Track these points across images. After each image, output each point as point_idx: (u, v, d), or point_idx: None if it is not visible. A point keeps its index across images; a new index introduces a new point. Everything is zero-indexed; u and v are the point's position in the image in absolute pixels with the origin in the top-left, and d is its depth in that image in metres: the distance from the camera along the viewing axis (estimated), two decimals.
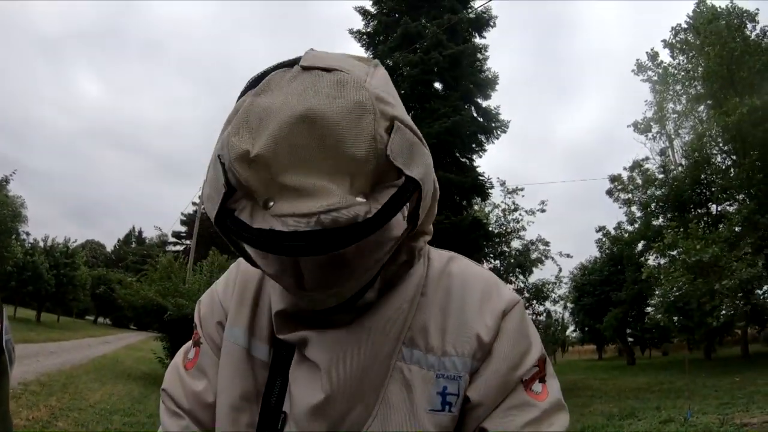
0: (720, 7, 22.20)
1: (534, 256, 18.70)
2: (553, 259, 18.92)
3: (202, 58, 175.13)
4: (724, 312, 17.30)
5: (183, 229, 51.54)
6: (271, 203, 0.59)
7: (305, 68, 0.65)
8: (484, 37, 19.69)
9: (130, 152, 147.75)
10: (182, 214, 48.40)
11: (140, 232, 76.51)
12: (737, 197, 20.81)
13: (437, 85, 18.33)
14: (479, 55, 19.25)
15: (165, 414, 0.91)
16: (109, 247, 76.29)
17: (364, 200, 0.59)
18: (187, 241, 48.09)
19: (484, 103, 19.28)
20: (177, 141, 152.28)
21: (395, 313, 0.79)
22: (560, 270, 19.13)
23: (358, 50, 19.24)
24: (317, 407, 0.74)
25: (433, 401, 0.77)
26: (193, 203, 42.18)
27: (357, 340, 0.77)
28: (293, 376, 0.79)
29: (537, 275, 18.85)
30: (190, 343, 0.97)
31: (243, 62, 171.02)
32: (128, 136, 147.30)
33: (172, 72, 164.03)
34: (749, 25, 21.43)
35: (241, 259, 0.90)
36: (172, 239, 55.52)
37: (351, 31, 19.45)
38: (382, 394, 0.77)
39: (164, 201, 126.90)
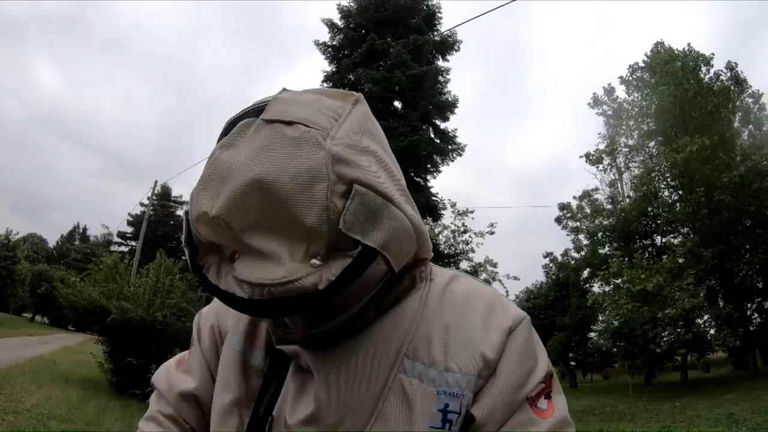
0: (677, 49, 23.35)
1: (482, 277, 18.90)
2: (500, 281, 19.16)
3: (163, 58, 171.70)
4: (666, 339, 17.90)
5: (129, 230, 50.12)
6: (237, 255, 0.63)
7: (267, 121, 0.65)
8: (447, 60, 20.05)
9: (80, 146, 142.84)
10: (129, 214, 46.90)
11: (85, 230, 73.57)
12: (682, 230, 21.69)
13: (397, 104, 18.52)
14: (441, 78, 19.56)
15: (152, 396, 0.99)
16: (51, 243, 73.38)
17: (318, 267, 0.60)
18: (133, 243, 46.79)
19: (442, 125, 19.60)
20: (130, 140, 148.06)
21: (396, 325, 0.77)
22: (507, 293, 19.33)
23: (322, 62, 19.31)
24: (310, 416, 0.73)
25: (433, 418, 0.74)
26: (141, 204, 40.98)
27: (356, 351, 0.75)
28: (288, 385, 0.78)
29: None
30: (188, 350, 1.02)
31: (205, 66, 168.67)
32: (80, 130, 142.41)
33: (131, 69, 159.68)
34: (703, 68, 22.58)
35: None
36: (117, 239, 53.91)
37: (317, 43, 19.48)
38: (380, 407, 0.74)
39: (112, 199, 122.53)
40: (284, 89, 0.71)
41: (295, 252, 0.60)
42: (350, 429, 0.72)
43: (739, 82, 22.27)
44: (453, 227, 18.98)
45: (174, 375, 0.96)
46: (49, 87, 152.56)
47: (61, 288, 13.13)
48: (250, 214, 0.61)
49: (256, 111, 0.68)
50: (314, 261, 0.60)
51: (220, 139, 0.69)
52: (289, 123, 0.64)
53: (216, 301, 0.98)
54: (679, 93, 20.14)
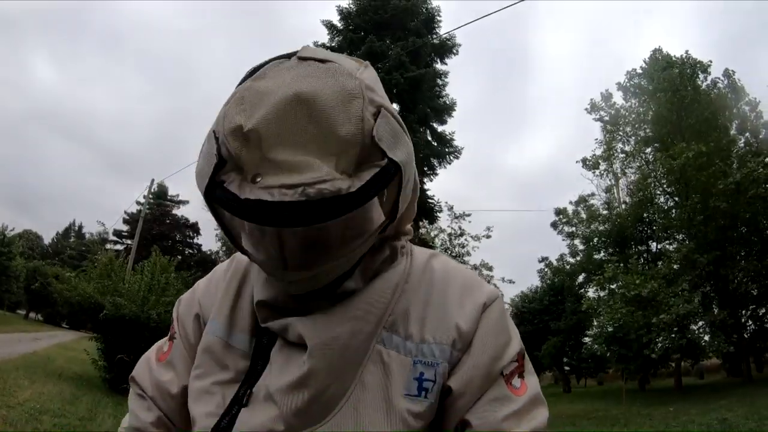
0: (675, 56, 23.39)
1: None
2: (496, 285, 19.09)
3: (161, 56, 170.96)
4: (660, 345, 17.92)
5: (125, 228, 49.99)
6: (259, 178, 0.62)
7: (302, 58, 0.69)
8: (446, 63, 20.07)
9: (77, 143, 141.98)
10: (126, 212, 46.90)
11: (80, 227, 73.36)
12: (677, 237, 21.79)
13: (395, 106, 18.49)
14: (439, 81, 19.58)
15: (132, 397, 0.97)
16: (47, 239, 73.10)
17: (348, 177, 0.62)
18: (128, 241, 46.62)
19: (440, 128, 19.61)
20: (127, 137, 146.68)
21: (378, 297, 0.80)
22: (502, 296, 19.24)
23: None
24: (299, 380, 0.75)
25: (409, 386, 0.77)
26: (138, 203, 40.81)
27: (339, 321, 0.77)
28: (274, 360, 0.80)
29: None
30: (165, 338, 1.01)
31: (201, 65, 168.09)
32: (77, 126, 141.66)
33: (128, 66, 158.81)
34: (701, 76, 22.66)
35: (222, 264, 1.00)
36: (112, 237, 53.74)
37: (315, 44, 19.44)
38: (359, 374, 0.77)
39: (108, 197, 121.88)
40: (308, 45, 0.75)
41: (326, 163, 0.62)
42: (332, 395, 0.75)
43: (736, 89, 22.36)
44: (449, 230, 18.95)
45: (157, 372, 0.95)
46: (47, 82, 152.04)
47: (56, 284, 13.07)
48: (287, 127, 0.62)
49: (287, 55, 0.72)
50: (343, 175, 0.62)
51: (242, 81, 0.71)
52: (323, 61, 0.68)
53: (196, 289, 1.00)
54: (676, 100, 20.24)
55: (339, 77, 0.66)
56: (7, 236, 36.59)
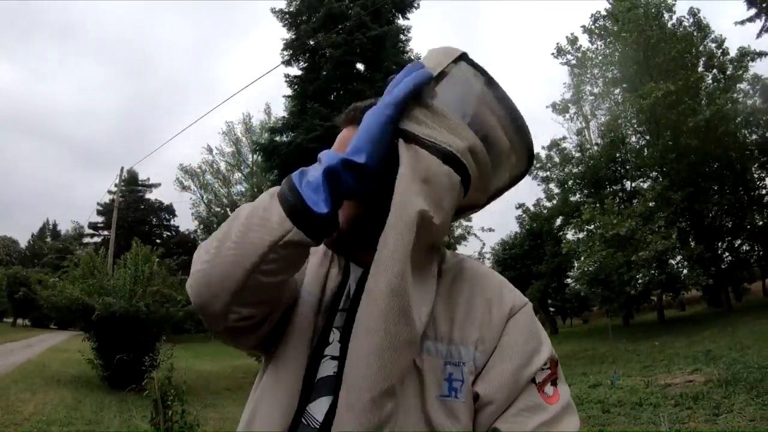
0: None
1: (457, 232, 18.73)
2: (476, 235, 19.02)
3: (116, 41, 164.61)
4: (640, 281, 18.35)
5: (100, 219, 49.18)
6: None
7: None
8: (408, 18, 19.73)
9: (40, 140, 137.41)
10: (98, 204, 46.00)
11: (55, 225, 71.60)
12: (651, 175, 22.09)
13: (360, 67, 18.23)
14: (402, 36, 19.27)
15: None
16: (23, 243, 71.52)
17: None
18: (105, 232, 46.06)
19: None
20: (90, 128, 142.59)
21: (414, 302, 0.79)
22: (483, 245, 19.28)
23: (280, 30, 18.59)
24: (384, 391, 0.73)
25: (442, 387, 0.81)
26: (110, 192, 39.97)
27: (378, 328, 0.75)
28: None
29: (460, 251, 18.89)
30: None
31: (160, 44, 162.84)
32: (37, 123, 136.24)
33: (85, 55, 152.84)
34: (666, 15, 22.45)
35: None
36: (89, 231, 52.87)
37: (273, 11, 18.96)
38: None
39: (79, 191, 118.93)
40: None
41: None
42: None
43: (701, 27, 22.24)
44: None
45: None
46: (1, 83, 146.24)
47: (41, 290, 12.90)
48: None
49: None
50: None
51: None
52: None
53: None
54: (642, 39, 20.14)
55: None
56: None
